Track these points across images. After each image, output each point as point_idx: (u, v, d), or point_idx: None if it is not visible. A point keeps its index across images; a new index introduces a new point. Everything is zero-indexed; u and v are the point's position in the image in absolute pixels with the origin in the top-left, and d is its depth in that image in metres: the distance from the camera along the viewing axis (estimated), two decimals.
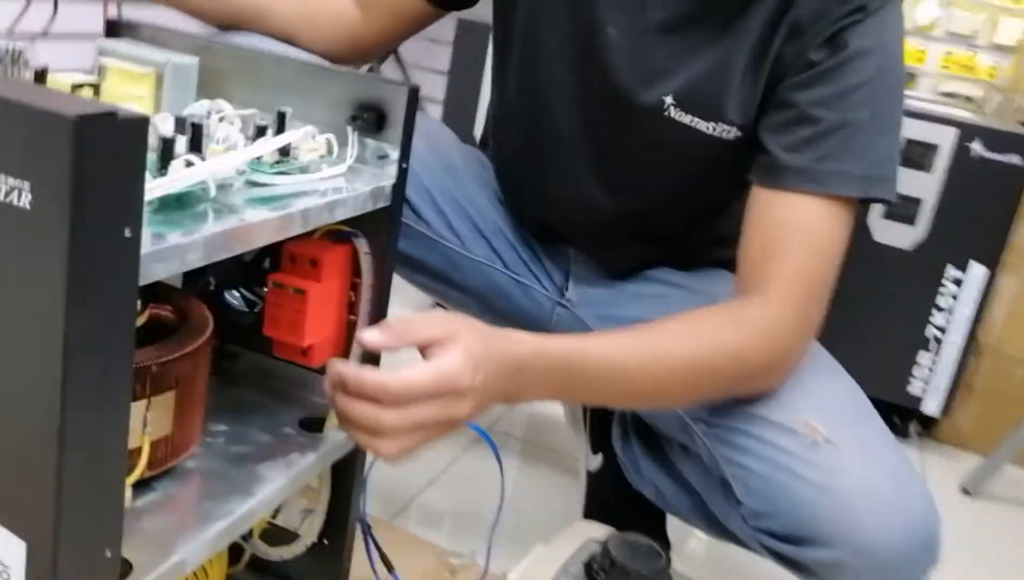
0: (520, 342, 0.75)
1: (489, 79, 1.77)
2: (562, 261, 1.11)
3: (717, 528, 0.98)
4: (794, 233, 0.85)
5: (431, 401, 0.67)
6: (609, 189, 1.01)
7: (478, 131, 1.41)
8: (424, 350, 0.69)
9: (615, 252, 1.08)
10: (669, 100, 0.92)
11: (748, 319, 0.85)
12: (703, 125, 0.92)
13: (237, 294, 0.83)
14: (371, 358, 0.76)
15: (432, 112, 2.53)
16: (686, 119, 0.93)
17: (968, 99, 2.22)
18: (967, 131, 1.56)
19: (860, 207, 0.89)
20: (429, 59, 2.53)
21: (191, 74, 0.74)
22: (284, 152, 0.68)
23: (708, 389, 0.87)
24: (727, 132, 0.91)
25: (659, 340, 0.83)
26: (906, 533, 0.79)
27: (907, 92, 2.14)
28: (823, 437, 0.83)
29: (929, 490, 0.84)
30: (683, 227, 1.05)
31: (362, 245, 0.76)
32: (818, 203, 0.84)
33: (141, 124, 0.43)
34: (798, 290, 0.84)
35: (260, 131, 0.68)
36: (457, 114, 1.82)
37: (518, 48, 1.01)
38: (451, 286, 1.09)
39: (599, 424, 1.23)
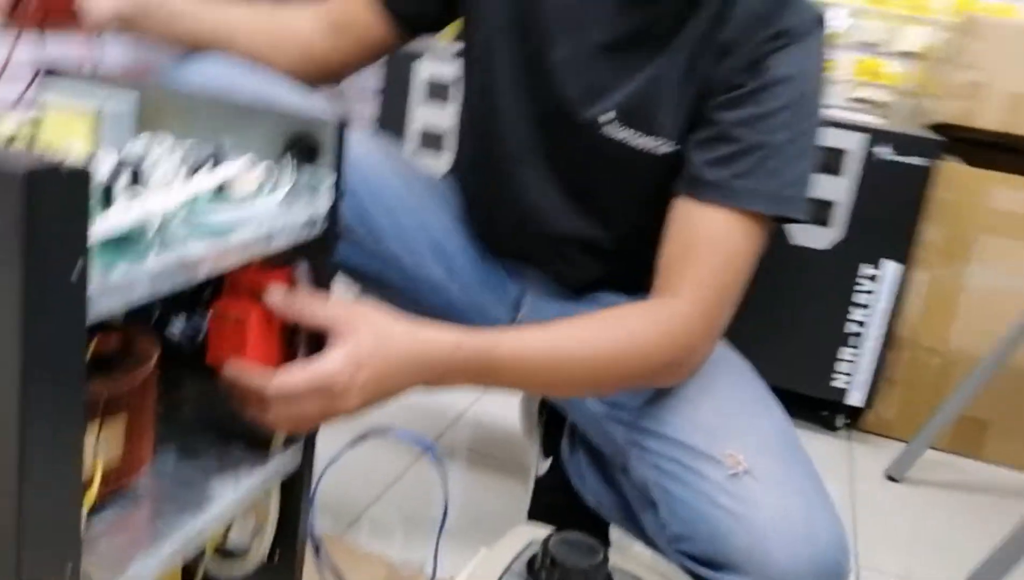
0: (436, 339, 0.80)
1: (417, 101, 1.83)
2: (519, 279, 1.16)
3: (649, 542, 1.04)
4: (708, 243, 0.92)
5: (310, 399, 0.72)
6: (562, 203, 1.07)
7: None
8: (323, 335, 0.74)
9: (571, 267, 1.12)
10: (611, 116, 0.99)
11: (658, 317, 0.91)
12: (641, 140, 0.99)
13: (180, 323, 0.86)
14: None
15: None
16: (627, 134, 0.99)
17: (878, 104, 2.33)
18: (874, 136, 1.65)
19: (773, 223, 0.95)
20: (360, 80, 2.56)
21: (130, 112, 0.78)
22: (222, 185, 0.71)
23: (616, 380, 0.92)
24: (662, 146, 0.98)
25: (571, 334, 0.89)
26: (814, 565, 0.84)
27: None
28: (744, 468, 0.88)
29: (841, 522, 0.89)
30: (634, 242, 1.10)
31: (300, 271, 0.79)
32: (731, 217, 0.91)
33: (84, 175, 0.47)
34: (708, 294, 0.91)
35: (198, 166, 0.71)
36: (387, 135, 1.86)
37: (476, 69, 1.07)
38: (409, 302, 1.13)
39: (552, 429, 1.28)
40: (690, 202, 0.94)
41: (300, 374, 0.72)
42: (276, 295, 0.73)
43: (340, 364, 0.72)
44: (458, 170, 1.18)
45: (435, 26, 1.12)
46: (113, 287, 0.54)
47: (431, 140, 1.83)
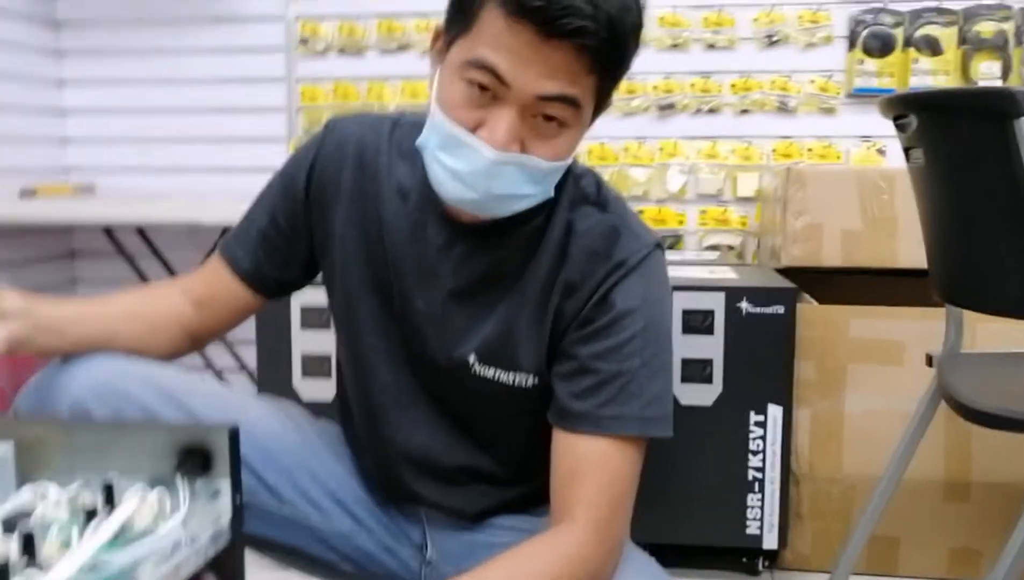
0: None
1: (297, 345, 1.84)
2: (416, 520, 1.16)
3: None
4: (589, 466, 0.96)
5: None
6: (449, 440, 1.09)
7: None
8: None
9: (467, 499, 1.13)
10: (472, 358, 1.03)
11: (558, 544, 0.94)
12: (505, 376, 1.03)
13: None
14: None
15: (240, 381, 2.54)
16: (490, 373, 1.03)
17: (730, 248, 2.49)
18: (733, 293, 1.75)
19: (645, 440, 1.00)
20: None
21: (7, 462, 0.75)
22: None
23: None
24: (526, 381, 1.02)
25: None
26: None
27: (676, 254, 2.38)
28: None
29: None
30: (524, 466, 1.11)
31: None
32: (605, 442, 0.96)
33: None
34: (600, 514, 0.95)
35: (91, 513, 0.69)
36: (273, 379, 1.85)
37: (343, 321, 1.10)
38: (326, 563, 1.12)
39: None
40: (564, 432, 0.99)
41: None
42: None
43: None
44: (345, 414, 1.19)
45: (299, 286, 1.15)
46: None
47: (314, 365, 1.82)
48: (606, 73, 0.89)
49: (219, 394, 1.06)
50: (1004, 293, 1.29)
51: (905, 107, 1.40)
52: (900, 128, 1.44)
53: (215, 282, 1.11)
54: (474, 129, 0.89)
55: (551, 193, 0.97)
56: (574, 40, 0.83)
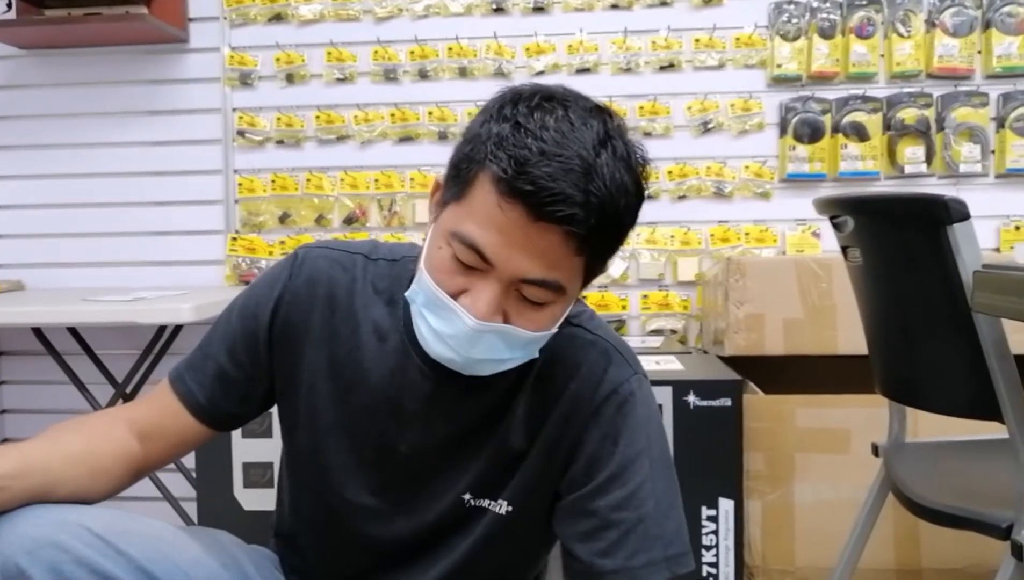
0: None
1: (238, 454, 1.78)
2: None
3: None
4: None
5: None
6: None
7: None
8: None
9: None
10: (467, 495, 1.01)
11: None
12: (495, 506, 1.01)
13: None
14: None
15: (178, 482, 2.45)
16: (484, 503, 1.01)
17: (673, 332, 2.51)
18: (680, 387, 1.76)
19: None
20: None
21: None
22: None
23: None
24: (502, 508, 1.00)
25: None
26: None
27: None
28: None
29: None
30: None
31: None
32: None
33: None
34: None
35: None
36: (212, 488, 1.79)
37: (309, 470, 1.05)
38: None
39: None
40: None
41: None
42: None
43: None
44: (291, 543, 1.14)
45: (253, 418, 1.11)
46: None
47: (255, 474, 1.77)
48: (595, 255, 0.88)
49: (157, 535, 1.00)
50: (943, 394, 1.31)
51: (840, 208, 1.44)
52: (837, 227, 1.48)
53: (165, 415, 1.05)
54: (457, 294, 0.88)
55: (536, 354, 0.96)
56: (562, 226, 0.82)
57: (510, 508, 1.00)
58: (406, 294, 0.94)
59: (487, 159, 0.84)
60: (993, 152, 2.42)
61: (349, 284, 1.02)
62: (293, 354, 1.03)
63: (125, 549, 0.94)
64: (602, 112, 0.88)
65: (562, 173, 0.81)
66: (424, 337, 0.92)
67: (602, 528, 0.95)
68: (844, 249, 1.49)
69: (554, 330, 0.93)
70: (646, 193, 0.92)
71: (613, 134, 0.86)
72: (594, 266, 0.91)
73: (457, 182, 0.88)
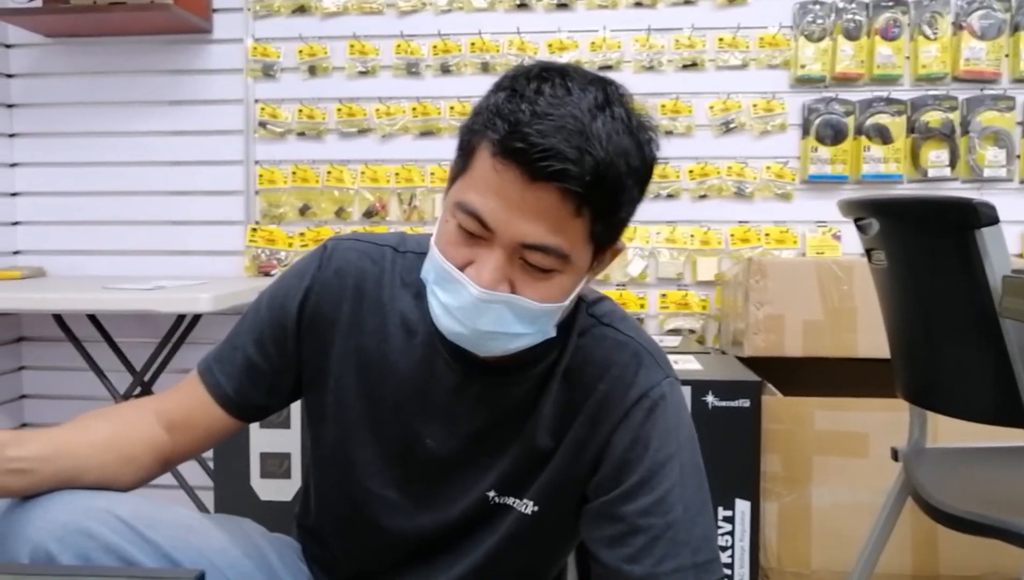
0: None
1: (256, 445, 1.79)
2: None
3: None
4: None
5: None
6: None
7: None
8: None
9: None
10: (492, 493, 1.00)
11: None
12: (520, 505, 1.00)
13: None
14: None
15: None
16: (509, 501, 1.01)
17: (691, 331, 2.50)
18: (698, 387, 1.75)
19: None
20: None
21: None
22: None
23: None
24: (528, 508, 1.00)
25: None
26: None
27: None
28: None
29: None
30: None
31: None
32: None
33: None
34: None
35: None
36: (230, 479, 1.79)
37: (335, 462, 1.05)
38: None
39: None
40: None
41: None
42: None
43: None
44: (315, 535, 1.15)
45: (281, 409, 1.11)
46: None
47: (272, 465, 1.78)
48: (597, 217, 0.86)
49: (182, 523, 1.01)
50: (967, 399, 1.30)
51: (865, 211, 1.43)
52: (861, 229, 1.47)
53: (193, 406, 1.06)
54: (464, 266, 0.88)
55: (551, 332, 0.93)
56: (558, 183, 0.81)
57: (536, 508, 1.00)
58: (421, 275, 0.94)
59: (484, 127, 0.85)
60: (1019, 157, 2.40)
61: (378, 276, 1.02)
62: (321, 345, 1.03)
63: (152, 537, 0.95)
64: (604, 82, 0.87)
65: (554, 130, 0.81)
66: (436, 314, 0.91)
67: (629, 534, 0.94)
68: (868, 252, 1.48)
69: (566, 304, 0.91)
70: (654, 160, 0.90)
71: (613, 100, 0.85)
72: (600, 234, 0.88)
73: (462, 156, 0.89)
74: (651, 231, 2.50)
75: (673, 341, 2.36)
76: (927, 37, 2.40)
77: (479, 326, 0.88)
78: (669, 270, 2.51)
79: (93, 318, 2.51)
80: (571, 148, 0.80)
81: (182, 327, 2.39)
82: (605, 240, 0.90)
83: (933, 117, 2.40)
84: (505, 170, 0.82)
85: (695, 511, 0.95)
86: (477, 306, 0.87)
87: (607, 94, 0.85)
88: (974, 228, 1.18)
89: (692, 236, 2.49)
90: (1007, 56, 2.40)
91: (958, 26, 2.40)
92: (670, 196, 2.50)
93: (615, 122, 0.84)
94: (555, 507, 1.00)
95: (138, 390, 2.39)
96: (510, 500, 1.01)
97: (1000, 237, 1.17)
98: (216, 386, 1.05)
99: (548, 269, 0.87)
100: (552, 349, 0.98)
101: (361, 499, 1.04)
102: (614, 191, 0.85)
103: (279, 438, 1.77)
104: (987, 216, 1.17)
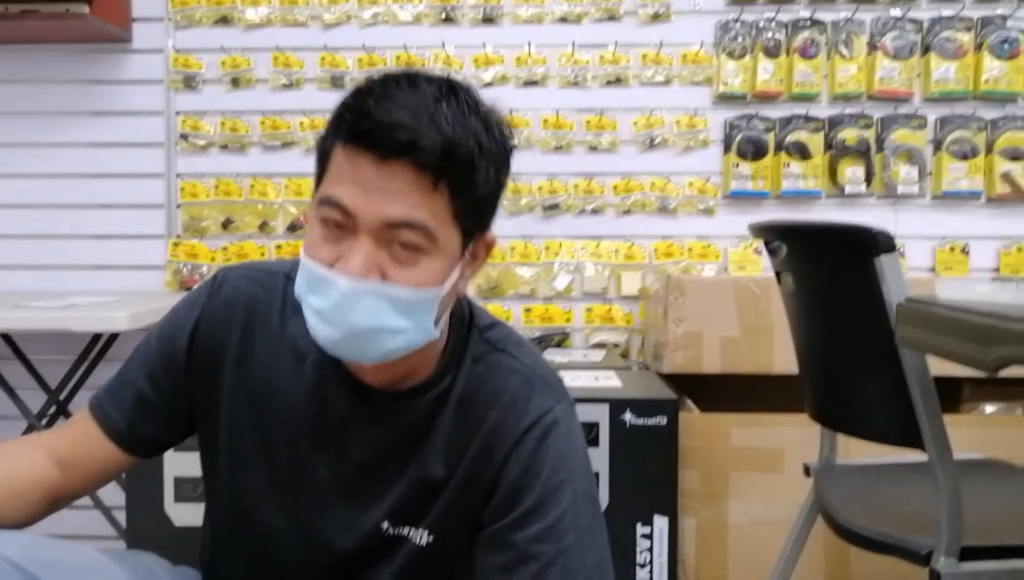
0: None
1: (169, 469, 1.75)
2: None
3: None
4: None
5: None
6: None
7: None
8: None
9: None
10: (386, 524, 0.99)
11: None
12: (415, 534, 0.99)
13: None
14: None
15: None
16: (404, 531, 0.99)
17: (615, 345, 2.52)
18: (616, 405, 1.76)
19: None
20: None
21: None
22: None
23: None
24: (422, 538, 0.99)
25: None
26: None
27: (562, 354, 2.38)
28: None
29: None
30: None
31: None
32: None
33: None
34: None
35: None
36: (143, 504, 1.76)
37: (228, 490, 1.03)
38: None
39: None
40: None
41: None
42: None
43: None
44: (216, 562, 1.13)
45: (175, 444, 1.09)
46: None
47: (186, 489, 1.74)
48: (456, 195, 0.86)
49: (80, 563, 0.98)
50: (869, 421, 1.33)
51: (773, 234, 1.46)
52: (771, 252, 1.50)
53: (85, 443, 1.03)
54: (333, 263, 0.87)
55: (431, 330, 0.92)
56: (408, 158, 0.83)
57: (431, 538, 0.99)
58: (295, 292, 0.92)
59: (335, 128, 0.87)
60: (930, 174, 2.47)
61: (268, 303, 1.01)
62: (212, 377, 1.01)
63: (45, 579, 0.92)
64: (451, 79, 0.90)
65: (398, 109, 0.83)
66: (312, 327, 0.90)
67: (521, 561, 0.94)
68: (778, 274, 1.50)
69: (443, 293, 0.90)
70: (508, 147, 0.93)
71: (458, 90, 0.88)
72: (465, 216, 0.89)
73: (320, 164, 0.90)
74: (576, 246, 2.52)
75: (597, 355, 2.38)
76: (843, 56, 2.46)
77: (353, 323, 0.86)
78: (594, 285, 2.52)
79: (6, 336, 2.43)
80: (418, 123, 0.83)
81: (99, 344, 2.33)
82: (472, 226, 0.91)
83: (849, 135, 2.46)
84: (357, 155, 0.84)
85: (589, 538, 0.96)
86: (347, 300, 0.85)
87: (452, 86, 0.88)
88: (874, 255, 1.21)
89: (617, 251, 2.52)
90: (919, 76, 2.47)
91: (872, 46, 2.46)
92: (595, 211, 2.52)
93: (461, 105, 0.87)
94: (451, 537, 0.99)
95: (53, 409, 2.32)
96: (405, 530, 0.99)
97: (897, 265, 1.20)
98: (107, 421, 1.02)
99: (416, 247, 0.86)
100: (445, 376, 0.98)
101: (256, 531, 1.03)
102: (466, 167, 0.86)
103: (193, 462, 1.73)
104: (884, 243, 1.20)
